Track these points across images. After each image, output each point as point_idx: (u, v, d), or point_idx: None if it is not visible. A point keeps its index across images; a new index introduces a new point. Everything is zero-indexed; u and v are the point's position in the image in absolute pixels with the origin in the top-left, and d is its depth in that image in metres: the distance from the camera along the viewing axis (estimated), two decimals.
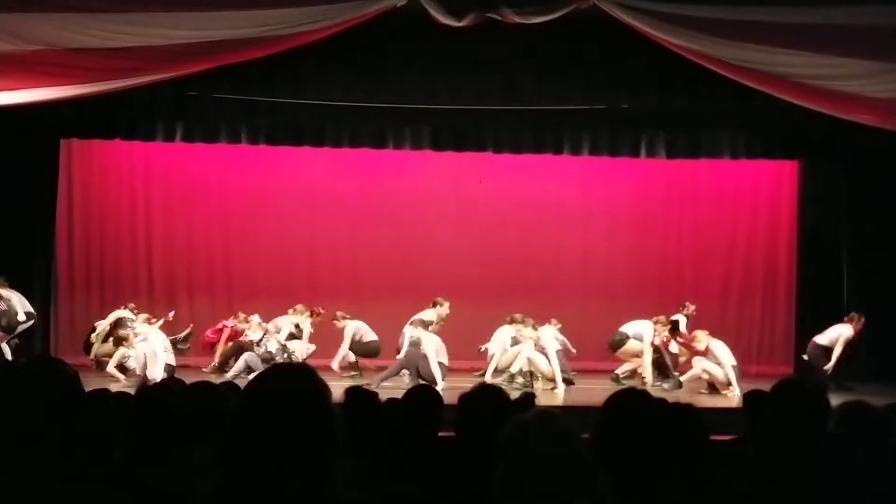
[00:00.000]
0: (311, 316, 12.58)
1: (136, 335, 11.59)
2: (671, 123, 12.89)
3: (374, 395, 4.61)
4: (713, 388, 11.93)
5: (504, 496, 2.20)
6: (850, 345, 12.25)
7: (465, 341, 12.57)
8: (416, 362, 11.40)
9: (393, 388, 10.09)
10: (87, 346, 12.86)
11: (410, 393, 4.63)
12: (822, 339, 12.38)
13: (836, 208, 13.84)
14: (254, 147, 13.39)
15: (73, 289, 13.94)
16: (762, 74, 11.46)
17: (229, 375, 10.94)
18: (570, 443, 2.24)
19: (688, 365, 12.29)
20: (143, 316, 12.20)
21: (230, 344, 12.60)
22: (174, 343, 12.08)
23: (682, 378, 12.21)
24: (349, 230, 14.64)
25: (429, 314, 12.23)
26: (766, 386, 4.07)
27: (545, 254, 13.00)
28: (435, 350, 11.51)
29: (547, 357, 11.88)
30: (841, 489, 2.85)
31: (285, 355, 11.75)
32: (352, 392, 4.52)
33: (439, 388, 9.67)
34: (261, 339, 11.91)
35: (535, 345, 11.96)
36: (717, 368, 11.86)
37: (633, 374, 12.55)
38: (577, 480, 2.20)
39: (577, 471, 2.21)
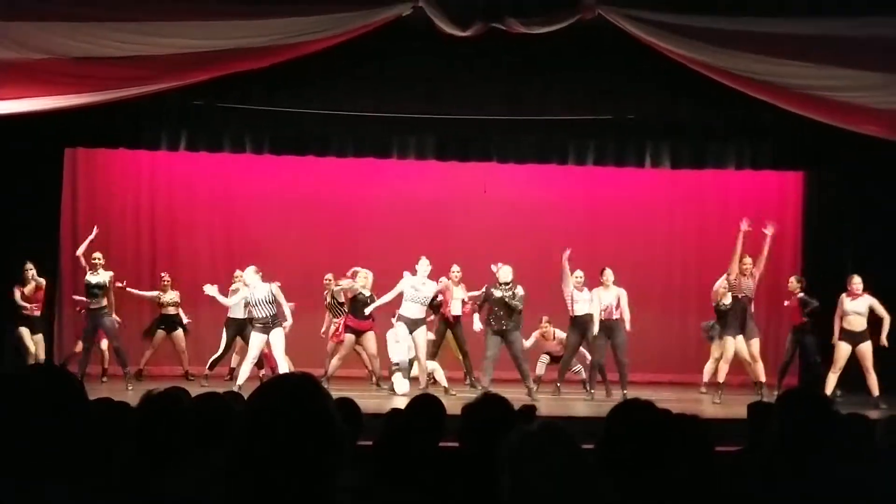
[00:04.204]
0: None
1: None
2: (676, 134, 12.89)
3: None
4: None
5: None
6: None
7: (478, 345, 12.56)
8: None
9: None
10: None
11: (413, 402, 4.62)
12: None
13: (842, 219, 13.80)
14: (258, 156, 13.39)
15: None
16: (767, 85, 11.47)
17: None
18: (574, 454, 2.23)
19: None
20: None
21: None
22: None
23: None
24: (353, 239, 14.65)
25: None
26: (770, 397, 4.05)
27: (549, 262, 12.93)
28: None
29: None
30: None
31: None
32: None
33: None
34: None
35: None
36: None
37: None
38: (584, 491, 2.19)
39: (584, 481, 2.20)
